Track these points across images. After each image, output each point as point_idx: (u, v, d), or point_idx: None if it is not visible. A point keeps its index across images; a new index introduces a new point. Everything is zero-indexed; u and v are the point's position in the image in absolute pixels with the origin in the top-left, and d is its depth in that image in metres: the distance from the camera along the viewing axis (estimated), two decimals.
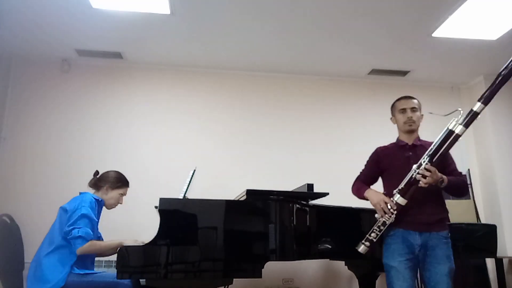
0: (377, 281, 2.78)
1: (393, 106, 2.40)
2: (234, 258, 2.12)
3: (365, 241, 2.11)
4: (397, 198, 2.07)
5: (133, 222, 3.54)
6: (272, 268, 2.58)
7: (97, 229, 2.49)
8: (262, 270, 2.14)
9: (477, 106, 1.99)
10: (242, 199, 2.37)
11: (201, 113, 4.19)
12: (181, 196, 2.81)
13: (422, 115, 2.34)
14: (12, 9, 3.19)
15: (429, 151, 2.06)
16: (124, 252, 2.03)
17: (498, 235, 3.42)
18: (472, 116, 2.00)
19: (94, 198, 2.43)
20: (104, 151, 3.91)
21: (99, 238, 2.52)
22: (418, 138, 2.31)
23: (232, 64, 4.21)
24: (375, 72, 4.35)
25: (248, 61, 4.15)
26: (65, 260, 2.24)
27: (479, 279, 4.05)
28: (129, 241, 2.30)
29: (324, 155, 4.19)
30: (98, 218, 2.50)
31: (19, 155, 3.84)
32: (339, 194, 2.57)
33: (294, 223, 2.29)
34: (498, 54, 3.77)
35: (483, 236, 3.38)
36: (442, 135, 2.05)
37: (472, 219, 4.18)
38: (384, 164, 2.31)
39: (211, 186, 3.76)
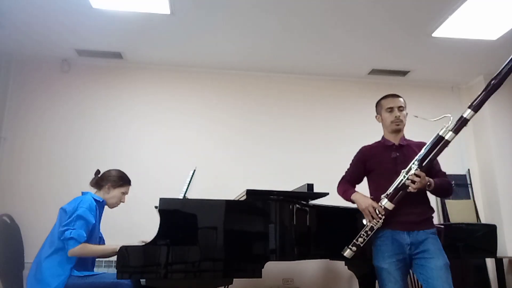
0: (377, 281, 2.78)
1: (378, 104, 2.36)
2: (234, 258, 2.12)
3: (352, 246, 2.11)
4: (385, 202, 2.07)
5: (133, 222, 3.54)
6: (272, 268, 2.58)
7: (99, 230, 2.48)
8: (262, 270, 2.14)
9: (467, 113, 1.98)
10: (242, 199, 2.37)
11: (201, 113, 4.19)
12: (181, 196, 2.81)
13: (407, 113, 2.32)
14: (12, 9, 3.20)
15: (419, 156, 2.05)
16: (124, 252, 2.03)
17: (498, 235, 3.42)
18: (462, 123, 1.99)
19: (95, 200, 2.41)
20: (104, 151, 3.91)
21: (100, 238, 2.52)
22: (403, 138, 2.29)
23: (232, 64, 4.21)
24: (375, 72, 4.35)
25: (248, 61, 4.15)
26: (65, 263, 2.22)
27: (479, 279, 4.05)
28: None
29: (324, 155, 4.19)
30: (100, 219, 2.49)
31: (19, 155, 3.84)
32: None
33: (294, 223, 2.29)
34: (498, 54, 3.77)
35: (483, 236, 3.38)
36: (432, 141, 2.05)
37: (472, 219, 4.19)
38: (371, 165, 2.29)
39: (211, 186, 3.76)
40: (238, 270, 2.12)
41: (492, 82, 1.96)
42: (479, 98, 1.97)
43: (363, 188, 2.35)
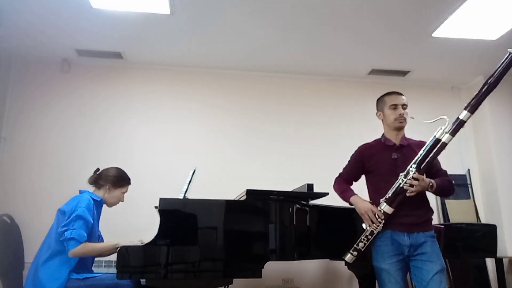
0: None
1: (381, 101, 2.32)
2: (234, 258, 2.12)
3: (353, 250, 2.12)
4: (384, 206, 2.07)
5: (133, 222, 3.54)
6: (272, 268, 2.57)
7: (98, 228, 2.47)
8: (262, 270, 2.14)
9: (463, 115, 1.98)
10: (242, 199, 2.37)
11: (201, 113, 4.20)
12: (181, 196, 2.81)
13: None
14: (12, 9, 3.20)
15: (416, 159, 2.04)
16: (124, 252, 2.03)
17: (498, 235, 3.43)
18: (458, 125, 1.99)
19: (93, 199, 2.39)
20: (104, 150, 3.92)
21: (99, 237, 2.51)
22: (404, 137, 2.27)
23: (232, 64, 4.21)
24: (375, 72, 4.35)
25: (248, 61, 4.15)
26: (63, 266, 2.20)
27: (479, 279, 4.05)
28: (124, 243, 2.21)
29: (324, 155, 4.19)
30: (98, 218, 2.48)
31: (19, 155, 3.84)
32: None
33: (294, 223, 2.29)
34: (498, 54, 3.73)
35: (483, 236, 3.38)
36: (429, 143, 2.04)
37: (472, 219, 4.19)
38: (370, 165, 2.26)
39: (211, 186, 3.76)
40: (238, 270, 2.12)
41: (489, 82, 1.96)
42: (475, 99, 1.97)
43: (360, 187, 2.36)
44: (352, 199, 2.23)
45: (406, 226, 2.09)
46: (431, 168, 2.16)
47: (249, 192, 2.25)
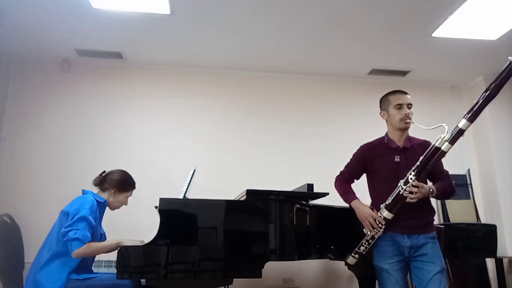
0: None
1: (385, 100, 2.28)
2: (234, 258, 2.12)
3: (354, 253, 2.14)
4: (384, 213, 2.08)
5: (133, 222, 3.54)
6: (272, 268, 2.57)
7: (99, 229, 2.47)
8: (262, 270, 2.14)
9: (462, 123, 1.96)
10: (242, 199, 2.36)
11: (201, 113, 4.19)
12: (181, 196, 2.81)
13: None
14: (12, 9, 3.19)
15: (416, 167, 2.03)
16: (124, 252, 2.03)
17: (498, 235, 3.43)
18: (457, 134, 1.98)
19: (96, 200, 2.38)
20: (104, 151, 3.91)
21: (101, 235, 2.51)
22: (408, 137, 2.25)
23: (232, 64, 4.21)
24: (375, 72, 4.35)
25: (248, 61, 4.15)
26: (63, 267, 2.19)
27: (479, 279, 4.05)
28: (126, 241, 2.24)
29: (324, 155, 4.19)
30: (101, 219, 2.48)
31: (19, 155, 3.84)
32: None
33: (294, 223, 2.29)
34: (498, 54, 3.77)
35: (483, 236, 3.38)
36: (429, 151, 2.03)
37: (472, 219, 4.19)
38: (372, 167, 2.25)
39: (211, 186, 3.76)
40: (238, 270, 2.12)
41: (489, 89, 1.92)
42: (475, 108, 1.94)
43: (362, 185, 2.36)
44: (353, 203, 2.23)
45: (406, 228, 2.10)
46: (433, 170, 2.15)
47: (249, 192, 2.25)
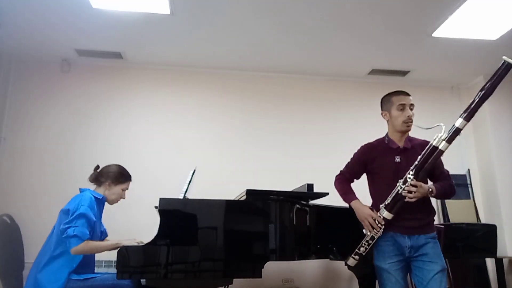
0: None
1: (387, 101, 2.26)
2: (234, 258, 2.12)
3: (355, 254, 2.14)
4: (384, 213, 2.08)
5: (133, 222, 3.54)
6: (272, 268, 2.58)
7: (100, 226, 2.48)
8: (262, 270, 2.14)
9: (459, 122, 1.98)
10: (242, 199, 2.37)
11: (201, 113, 4.20)
12: (181, 196, 2.81)
13: None
14: (13, 9, 3.19)
15: (414, 166, 2.04)
16: (124, 252, 2.03)
17: (498, 235, 3.42)
18: (454, 132, 1.99)
19: (94, 197, 2.39)
20: (104, 151, 3.91)
21: (102, 233, 2.51)
22: (408, 137, 2.24)
23: (232, 64, 4.21)
24: (375, 72, 4.35)
25: (248, 61, 4.15)
26: (64, 267, 2.20)
27: (479, 279, 4.05)
28: (127, 241, 2.25)
29: (324, 155, 4.19)
30: (100, 216, 2.49)
31: (19, 155, 3.84)
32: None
33: (294, 223, 2.29)
34: (498, 54, 3.73)
35: (483, 236, 3.38)
36: (426, 150, 2.03)
37: (472, 219, 4.19)
38: (372, 167, 2.25)
39: (211, 186, 3.75)
40: (238, 270, 2.12)
41: (484, 88, 1.95)
42: (471, 107, 1.97)
43: (362, 186, 2.36)
44: (353, 204, 2.23)
45: (407, 229, 2.10)
46: (433, 170, 2.16)
47: (249, 192, 2.25)
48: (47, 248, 2.29)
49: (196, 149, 4.05)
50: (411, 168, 2.04)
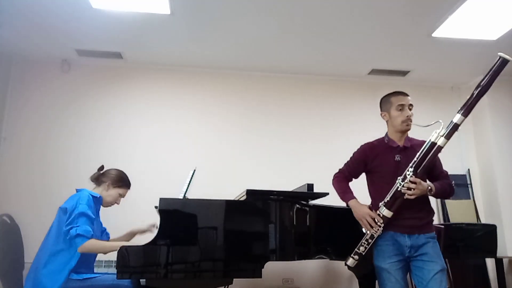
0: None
1: (386, 101, 2.28)
2: (234, 258, 2.12)
3: (354, 254, 2.13)
4: (383, 211, 2.07)
5: (133, 223, 3.52)
6: (272, 268, 2.57)
7: (100, 225, 2.49)
8: (262, 270, 2.14)
9: (457, 118, 2.00)
10: (242, 199, 2.37)
11: (201, 113, 4.20)
12: (181, 196, 2.81)
13: None
14: (13, 9, 3.19)
15: (413, 163, 2.04)
16: (124, 252, 2.03)
17: (498, 235, 3.43)
18: (452, 128, 2.00)
19: (92, 196, 2.38)
20: (104, 150, 3.91)
21: (103, 232, 2.51)
22: (407, 137, 2.26)
23: (232, 64, 4.21)
24: (375, 72, 4.35)
25: (248, 61, 4.15)
26: (63, 266, 2.19)
27: (479, 279, 4.05)
28: (141, 227, 2.47)
29: (324, 155, 4.19)
30: (98, 215, 2.49)
31: (19, 155, 3.84)
32: None
33: (294, 223, 2.29)
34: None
35: (483, 236, 3.38)
36: (425, 147, 2.04)
37: (472, 219, 4.19)
38: (372, 166, 2.26)
39: (211, 186, 3.75)
40: (238, 270, 2.12)
41: (481, 85, 2.01)
42: (468, 103, 2.00)
43: (360, 184, 2.36)
44: (350, 203, 2.23)
45: (407, 228, 2.10)
46: (432, 170, 2.17)
47: (249, 192, 2.25)
48: (45, 247, 2.29)
49: (196, 149, 4.05)
50: (410, 165, 2.05)
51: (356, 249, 2.13)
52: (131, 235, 2.69)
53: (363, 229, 2.14)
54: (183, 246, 2.08)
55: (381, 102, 2.33)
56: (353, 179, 2.38)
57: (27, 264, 2.53)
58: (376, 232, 2.08)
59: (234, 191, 2.77)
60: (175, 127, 4.12)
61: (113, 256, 2.14)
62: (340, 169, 2.39)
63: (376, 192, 2.23)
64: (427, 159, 2.03)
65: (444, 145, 2.02)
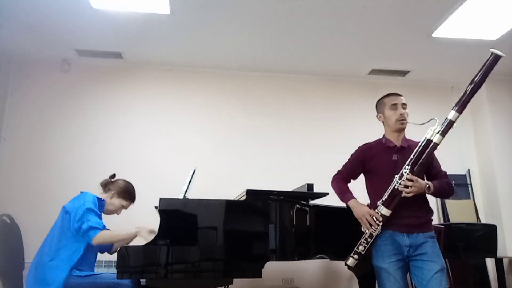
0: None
1: (380, 103, 2.33)
2: (234, 258, 2.12)
3: (354, 254, 2.13)
4: (382, 209, 2.08)
5: (133, 223, 3.52)
6: (272, 268, 2.57)
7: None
8: (262, 270, 2.14)
9: (452, 115, 2.02)
10: (242, 199, 2.37)
11: (201, 113, 4.20)
12: (181, 196, 2.81)
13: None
14: (13, 9, 3.20)
15: (410, 161, 2.06)
16: (124, 252, 2.03)
17: (498, 235, 3.43)
18: (448, 125, 2.02)
19: (97, 198, 2.43)
20: (104, 151, 3.91)
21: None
22: (405, 138, 2.27)
23: (232, 64, 4.21)
24: (375, 72, 4.35)
25: (248, 61, 4.15)
26: (65, 262, 2.23)
27: (479, 279, 4.05)
28: (143, 231, 2.38)
29: (324, 155, 4.19)
30: (100, 218, 2.50)
31: (19, 155, 3.84)
32: None
33: (294, 223, 2.29)
34: None
35: (483, 236, 3.39)
36: (421, 144, 2.06)
37: (472, 219, 4.19)
38: (370, 166, 2.27)
39: (211, 186, 3.75)
40: (238, 270, 2.12)
41: (474, 81, 2.01)
42: (462, 99, 2.02)
43: (359, 185, 2.36)
44: (350, 203, 2.23)
45: (406, 227, 2.10)
46: (430, 169, 2.18)
47: (249, 192, 2.25)
48: (47, 245, 2.31)
49: (196, 149, 4.05)
50: (407, 162, 2.06)
51: (355, 249, 2.13)
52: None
53: (362, 228, 2.14)
54: (183, 246, 2.08)
55: (376, 105, 2.38)
56: (352, 180, 2.38)
57: (27, 264, 2.53)
58: (375, 230, 2.09)
59: (234, 191, 2.77)
60: (175, 126, 4.12)
61: (113, 256, 2.15)
62: (338, 171, 2.40)
63: (375, 192, 2.23)
64: (423, 156, 2.04)
65: (440, 142, 2.03)
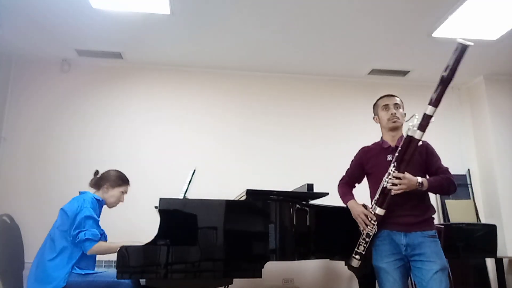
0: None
1: (375, 106, 2.39)
2: (234, 258, 2.12)
3: (355, 255, 2.15)
4: (376, 209, 2.09)
5: (133, 223, 3.54)
6: (272, 268, 2.58)
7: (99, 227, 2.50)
8: (262, 270, 2.14)
9: (428, 110, 2.04)
10: (242, 199, 2.37)
11: (201, 113, 4.19)
12: (181, 196, 2.81)
13: (405, 113, 2.30)
14: (13, 9, 3.19)
15: (395, 159, 2.07)
16: (124, 252, 2.03)
17: (498, 235, 3.43)
18: (425, 120, 2.02)
19: (95, 198, 2.44)
20: (104, 151, 3.91)
21: (102, 235, 2.53)
22: (401, 138, 2.24)
23: (232, 64, 4.21)
24: (375, 72, 4.35)
25: (248, 61, 4.15)
26: (66, 261, 2.24)
27: (479, 279, 4.06)
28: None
29: (324, 155, 4.19)
30: (98, 218, 2.50)
31: (19, 155, 3.84)
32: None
33: (294, 223, 2.29)
34: (498, 54, 3.76)
35: (483, 236, 3.39)
36: (404, 142, 2.06)
37: (472, 219, 4.19)
38: (368, 168, 2.31)
39: (211, 186, 3.76)
40: (238, 270, 2.12)
41: (444, 76, 2.10)
42: (437, 93, 2.09)
43: (364, 188, 2.36)
44: (349, 203, 2.27)
45: (403, 226, 2.10)
46: (429, 167, 2.19)
47: (249, 192, 2.25)
48: (47, 245, 2.32)
49: (196, 149, 4.05)
50: (392, 160, 2.07)
51: (356, 249, 2.14)
52: None
53: (360, 228, 2.15)
54: (183, 246, 2.08)
55: (372, 108, 2.42)
56: (357, 184, 2.41)
57: (27, 264, 2.53)
58: (371, 230, 2.09)
59: (234, 191, 2.78)
60: (175, 126, 4.12)
61: (113, 256, 2.14)
62: (343, 176, 2.44)
63: (373, 193, 2.24)
64: (407, 153, 2.05)
65: (421, 137, 2.03)
